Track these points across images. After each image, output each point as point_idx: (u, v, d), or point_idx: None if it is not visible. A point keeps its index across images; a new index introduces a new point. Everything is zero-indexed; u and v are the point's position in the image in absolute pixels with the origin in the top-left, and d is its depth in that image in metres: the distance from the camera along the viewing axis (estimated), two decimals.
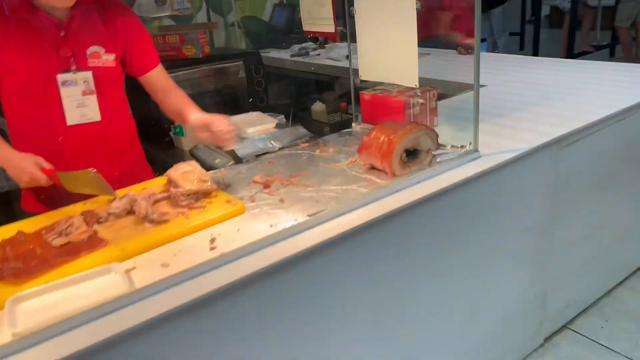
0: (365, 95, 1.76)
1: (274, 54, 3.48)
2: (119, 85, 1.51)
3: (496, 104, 1.89)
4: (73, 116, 1.35)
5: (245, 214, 1.23)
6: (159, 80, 1.53)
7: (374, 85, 1.80)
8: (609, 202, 1.86)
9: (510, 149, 1.44)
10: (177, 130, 1.95)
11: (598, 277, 1.98)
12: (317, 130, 2.16)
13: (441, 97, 2.39)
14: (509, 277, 1.59)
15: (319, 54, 3.32)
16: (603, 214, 1.85)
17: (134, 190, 1.33)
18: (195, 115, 1.45)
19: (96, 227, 1.20)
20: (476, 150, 1.41)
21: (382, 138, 1.36)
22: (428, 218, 1.29)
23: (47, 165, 1.27)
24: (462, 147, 1.44)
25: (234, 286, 1.00)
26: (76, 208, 1.28)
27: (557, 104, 1.82)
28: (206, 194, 1.29)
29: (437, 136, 1.40)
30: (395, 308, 1.32)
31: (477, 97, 1.37)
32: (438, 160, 1.41)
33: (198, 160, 1.80)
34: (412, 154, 1.37)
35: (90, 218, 1.21)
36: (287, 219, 1.17)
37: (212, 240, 1.12)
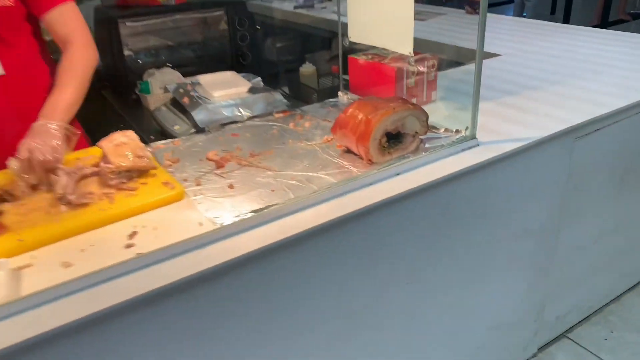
0: (354, 59, 1.51)
1: (276, 4, 3.18)
2: (27, 29, 1.23)
3: (509, 79, 1.62)
4: None
5: (184, 201, 1.02)
6: (61, 24, 1.20)
7: (367, 48, 1.55)
8: (628, 202, 1.62)
9: (516, 137, 1.20)
10: (143, 87, 1.73)
11: (607, 282, 1.76)
12: (304, 96, 1.92)
13: (452, 64, 2.13)
14: (503, 285, 1.38)
15: (325, 7, 3.02)
16: (619, 215, 1.61)
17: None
18: (46, 108, 1.11)
19: (5, 205, 1.00)
20: (473, 137, 1.17)
21: (359, 116, 1.12)
22: (406, 218, 1.07)
23: None
24: (457, 131, 1.20)
25: (146, 299, 0.80)
26: None
27: (581, 83, 1.55)
28: (142, 173, 1.08)
29: (427, 117, 1.16)
30: (363, 324, 1.12)
31: (478, 73, 1.11)
32: (427, 145, 1.17)
33: (158, 123, 1.60)
34: (394, 138, 1.14)
35: None
36: (230, 212, 0.96)
37: (132, 235, 0.92)
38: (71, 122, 1.21)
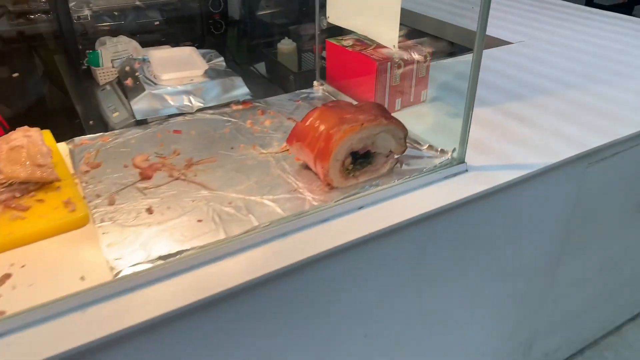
0: (332, 44, 1.26)
1: None
2: None
3: (516, 77, 1.37)
4: None
5: (86, 228, 0.81)
6: None
7: (350, 31, 1.30)
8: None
9: (515, 162, 0.97)
10: (91, 58, 1.48)
11: (605, 313, 1.56)
12: (280, 79, 1.67)
13: (453, 50, 1.87)
14: (486, 327, 1.18)
15: None
16: (629, 244, 1.40)
17: None
18: None
19: None
20: (462, 161, 0.94)
21: (320, 129, 0.90)
22: (368, 263, 0.86)
23: None
24: (442, 152, 0.97)
25: None
26: None
27: (601, 89, 1.30)
28: (42, 185, 0.87)
29: (406, 134, 0.93)
30: None
31: (472, 90, 0.87)
32: (404, 167, 0.95)
33: (99, 104, 1.36)
34: (363, 157, 0.91)
35: None
36: (137, 251, 0.75)
37: (3, 279, 0.71)
38: None
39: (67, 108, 1.47)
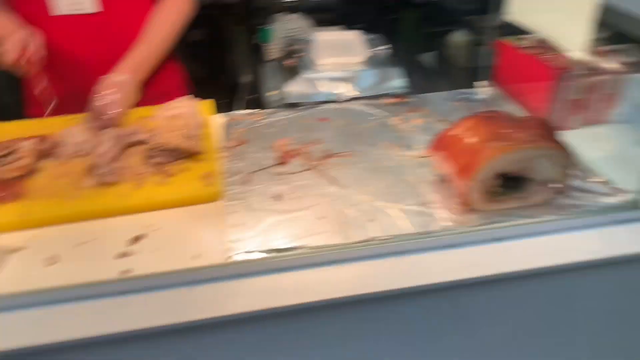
0: (506, 43, 1.12)
1: None
2: None
3: None
4: (61, 3, 1.03)
5: (216, 205, 0.84)
6: None
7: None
8: None
9: None
10: (262, 34, 1.54)
11: None
12: (446, 73, 1.56)
13: None
14: None
15: None
16: None
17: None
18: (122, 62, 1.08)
19: (46, 163, 0.92)
20: (637, 207, 0.76)
21: (469, 141, 0.80)
22: (495, 301, 0.76)
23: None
24: (616, 189, 0.80)
25: (101, 341, 0.65)
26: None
27: None
28: (187, 155, 0.92)
29: (570, 162, 0.78)
30: None
31: None
32: (565, 199, 0.80)
33: (261, 81, 1.41)
34: (514, 180, 0.79)
35: (46, 146, 0.93)
36: (255, 237, 0.75)
37: (136, 239, 0.76)
38: (171, 66, 1.22)
39: (236, 80, 1.56)
